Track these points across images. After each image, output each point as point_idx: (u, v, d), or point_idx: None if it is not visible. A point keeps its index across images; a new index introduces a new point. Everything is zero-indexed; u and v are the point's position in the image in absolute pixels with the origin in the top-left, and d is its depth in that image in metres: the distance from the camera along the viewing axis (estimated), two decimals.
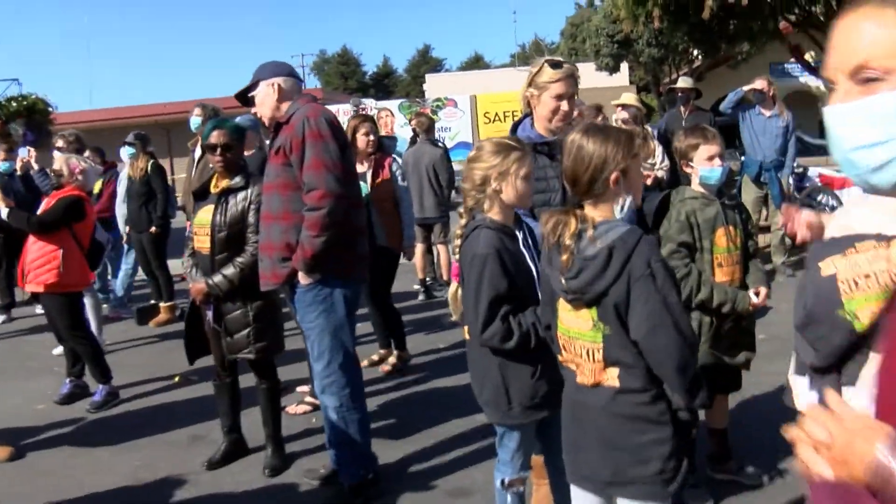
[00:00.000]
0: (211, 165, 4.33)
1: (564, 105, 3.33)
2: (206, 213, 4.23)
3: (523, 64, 37.12)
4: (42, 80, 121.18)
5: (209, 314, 4.25)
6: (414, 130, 8.87)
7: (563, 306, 2.40)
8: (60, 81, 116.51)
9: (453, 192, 9.07)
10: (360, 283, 4.04)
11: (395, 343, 6.23)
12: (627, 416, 2.31)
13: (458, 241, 2.98)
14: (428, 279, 8.99)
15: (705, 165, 3.61)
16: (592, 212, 2.36)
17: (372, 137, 5.94)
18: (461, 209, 2.99)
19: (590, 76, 28.58)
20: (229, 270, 4.10)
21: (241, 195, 4.18)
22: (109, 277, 9.20)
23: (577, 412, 2.45)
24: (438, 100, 27.96)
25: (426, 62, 64.03)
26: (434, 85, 34.25)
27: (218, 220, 4.15)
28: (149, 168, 7.95)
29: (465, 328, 2.94)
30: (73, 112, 26.30)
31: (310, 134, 3.61)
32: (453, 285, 3.09)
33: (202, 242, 4.24)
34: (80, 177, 5.71)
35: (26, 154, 6.57)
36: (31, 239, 5.60)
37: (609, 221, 2.32)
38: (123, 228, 8.34)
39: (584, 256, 2.27)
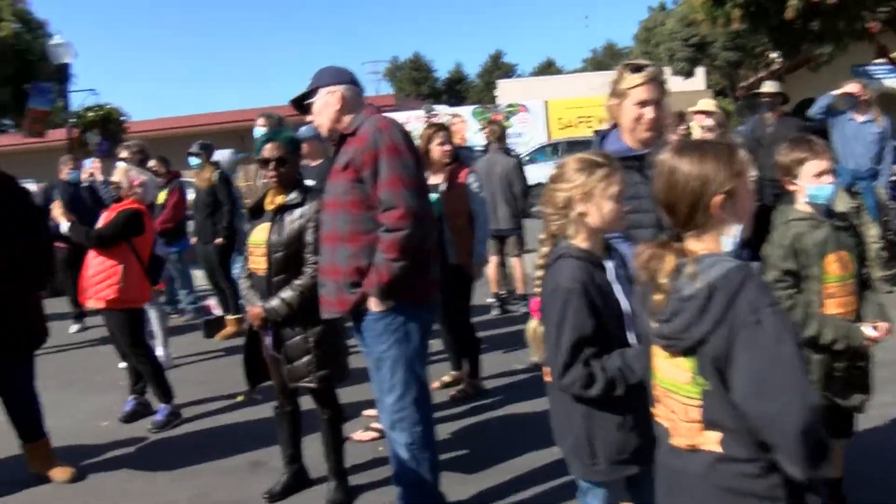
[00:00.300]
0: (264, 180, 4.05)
1: (649, 112, 2.96)
2: (261, 232, 3.96)
3: (596, 69, 36.54)
4: (117, 90, 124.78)
5: (268, 339, 3.98)
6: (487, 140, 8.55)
7: (659, 352, 2.01)
8: (135, 91, 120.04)
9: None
10: (434, 309, 3.72)
11: (469, 370, 5.87)
12: (731, 490, 1.88)
13: (539, 273, 2.63)
14: (503, 292, 8.64)
15: (813, 182, 3.14)
16: (695, 244, 1.95)
17: (447, 147, 5.59)
18: (542, 235, 2.63)
19: (666, 80, 27.74)
20: (287, 294, 3.81)
21: (297, 212, 3.89)
22: (178, 289, 9.15)
23: (671, 480, 2.04)
24: (510, 105, 27.63)
25: (498, 68, 63.77)
26: (506, 91, 33.83)
27: (274, 240, 3.86)
28: (214, 178, 7.80)
29: (546, 369, 2.59)
30: (146, 121, 26.69)
31: (385, 148, 3.32)
32: (533, 322, 2.74)
33: (258, 263, 3.97)
34: (139, 189, 5.53)
35: (91, 165, 6.46)
36: (92, 253, 5.45)
37: (714, 255, 1.92)
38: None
39: (680, 296, 1.88)
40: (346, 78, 3.61)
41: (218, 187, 7.78)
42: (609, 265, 2.57)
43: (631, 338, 2.51)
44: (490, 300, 8.51)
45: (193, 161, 7.92)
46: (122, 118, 16.70)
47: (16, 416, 4.71)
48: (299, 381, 3.93)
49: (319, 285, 3.59)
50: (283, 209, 3.91)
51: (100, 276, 5.35)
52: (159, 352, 7.06)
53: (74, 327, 9.13)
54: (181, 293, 9.07)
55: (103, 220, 5.53)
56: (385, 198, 3.28)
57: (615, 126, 3.16)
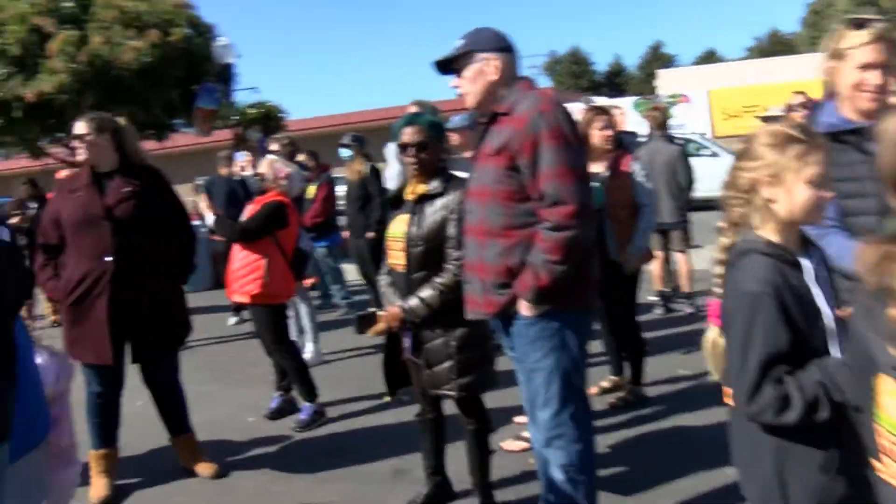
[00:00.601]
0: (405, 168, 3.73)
1: (873, 77, 2.43)
2: (399, 224, 3.64)
3: (760, 56, 34.78)
4: (278, 88, 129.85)
5: (406, 342, 3.66)
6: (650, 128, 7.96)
7: (888, 388, 1.50)
8: (295, 89, 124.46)
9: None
10: (593, 313, 3.30)
11: (631, 375, 5.36)
12: None
13: (718, 269, 2.16)
14: (667, 290, 8.04)
15: None
16: None
17: (609, 132, 5.11)
18: (722, 222, 2.16)
19: None
20: (427, 293, 3.47)
21: (438, 203, 3.53)
22: (329, 284, 9.10)
23: None
24: (672, 96, 26.59)
25: (657, 59, 61.73)
26: (666, 81, 32.46)
27: (413, 233, 3.53)
28: (365, 170, 7.64)
29: (727, 390, 2.11)
30: (304, 119, 27.27)
31: (549, 134, 2.89)
32: (712, 331, 2.26)
33: (396, 258, 3.65)
34: (284, 181, 5.38)
35: (243, 159, 6.41)
36: (237, 247, 5.34)
37: None
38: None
39: None
40: (505, 44, 3.18)
41: (369, 180, 7.61)
42: (807, 264, 2.05)
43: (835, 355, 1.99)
44: (653, 298, 7.93)
45: (345, 153, 7.80)
46: (281, 115, 17.06)
47: (163, 409, 4.65)
48: (440, 388, 3.59)
49: (464, 282, 3.23)
50: (424, 199, 3.58)
51: (244, 269, 5.23)
52: (309, 347, 6.99)
53: (232, 320, 9.26)
54: (333, 288, 8.98)
55: (248, 213, 5.42)
56: (552, 191, 2.87)
57: (832, 95, 2.64)
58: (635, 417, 5.02)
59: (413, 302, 3.49)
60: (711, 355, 2.25)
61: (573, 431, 3.09)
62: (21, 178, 12.91)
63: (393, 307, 3.59)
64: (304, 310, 7.04)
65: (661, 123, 7.78)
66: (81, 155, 4.35)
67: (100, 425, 4.45)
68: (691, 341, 6.61)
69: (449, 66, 3.21)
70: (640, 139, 7.83)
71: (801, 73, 26.27)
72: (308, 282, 9.58)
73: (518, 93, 3.05)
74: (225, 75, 15.37)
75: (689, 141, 17.02)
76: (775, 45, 57.30)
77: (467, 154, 5.05)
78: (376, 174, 7.70)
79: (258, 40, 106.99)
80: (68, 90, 13.29)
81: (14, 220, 9.48)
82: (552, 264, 2.87)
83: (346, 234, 8.11)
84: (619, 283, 5.04)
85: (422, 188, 3.62)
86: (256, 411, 5.78)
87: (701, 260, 8.05)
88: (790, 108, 6.37)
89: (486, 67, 3.10)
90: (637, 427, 4.86)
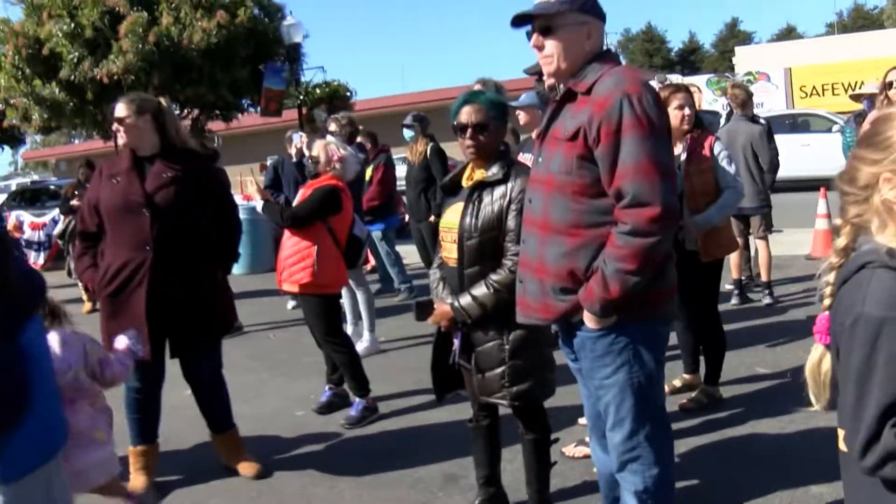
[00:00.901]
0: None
1: None
2: (454, 213, 3.30)
3: (842, 32, 33.50)
4: (345, 68, 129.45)
5: (456, 343, 3.33)
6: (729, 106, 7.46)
7: None
8: (362, 68, 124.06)
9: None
10: (669, 323, 2.90)
11: (706, 374, 4.94)
12: None
13: (829, 277, 1.77)
14: (744, 278, 7.55)
15: None
16: None
17: (688, 111, 4.66)
18: (836, 222, 1.77)
19: None
20: (480, 290, 3.13)
21: (498, 191, 3.18)
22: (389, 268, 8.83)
23: None
24: (749, 73, 25.74)
25: (734, 36, 60.07)
26: (744, 58, 31.41)
27: (468, 223, 3.19)
28: (428, 152, 7.34)
29: (840, 431, 1.72)
30: (371, 99, 27.02)
31: (635, 121, 2.47)
32: (817, 350, 1.86)
33: (449, 250, 3.31)
34: (337, 165, 5.09)
35: (299, 140, 6.15)
36: (286, 234, 5.09)
37: None
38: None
39: None
40: (603, 11, 2.75)
41: (431, 161, 7.31)
42: None
43: None
44: (728, 287, 7.43)
45: (407, 133, 7.53)
46: (347, 94, 16.90)
47: (203, 404, 4.43)
48: (492, 395, 3.26)
49: (518, 280, 2.86)
50: (482, 186, 3.23)
51: (293, 258, 4.98)
52: (366, 336, 6.74)
53: (291, 304, 9.06)
54: (392, 272, 8.70)
55: (300, 197, 5.16)
56: (633, 189, 2.46)
57: None
58: (709, 422, 4.60)
59: (464, 300, 3.15)
60: (815, 381, 1.86)
61: (651, 454, 2.72)
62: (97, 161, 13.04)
63: (443, 304, 3.26)
64: (361, 296, 6.78)
65: (743, 102, 7.26)
66: (122, 139, 4.13)
67: (138, 421, 4.25)
68: (770, 335, 6.17)
69: (530, 23, 2.73)
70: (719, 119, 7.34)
71: (888, 49, 25.26)
72: (367, 266, 9.39)
73: (601, 69, 2.62)
74: (292, 55, 15.31)
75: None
76: (858, 21, 55.27)
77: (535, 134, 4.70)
78: (439, 155, 7.38)
79: (326, 19, 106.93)
80: (136, 71, 13.38)
81: (74, 202, 9.44)
82: (626, 274, 2.48)
83: (406, 217, 7.85)
84: (698, 275, 4.61)
85: (480, 174, 3.28)
86: (306, 405, 5.54)
87: (779, 245, 7.56)
88: (889, 85, 5.80)
89: (582, 33, 2.66)
90: (711, 434, 4.44)
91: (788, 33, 59.65)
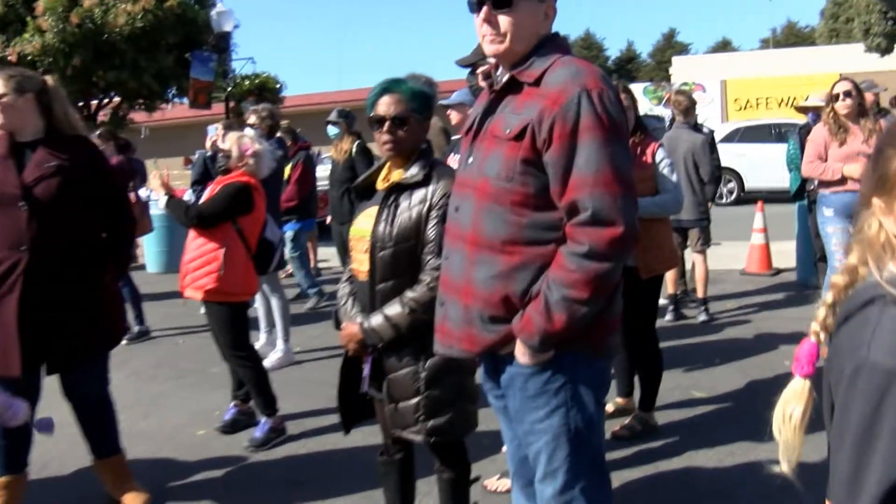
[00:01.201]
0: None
1: None
2: (367, 219, 2.87)
3: (776, 48, 34.42)
4: (275, 61, 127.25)
5: (366, 370, 2.90)
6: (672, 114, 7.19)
7: None
8: (292, 63, 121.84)
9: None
10: (612, 358, 2.49)
11: (641, 399, 4.60)
12: None
13: (826, 298, 1.38)
14: (678, 293, 7.29)
15: None
16: None
17: (629, 114, 4.31)
18: (850, 231, 1.40)
19: (858, 58, 25.39)
20: (394, 309, 2.71)
21: (417, 195, 2.76)
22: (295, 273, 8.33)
23: None
24: (686, 84, 26.02)
25: (671, 47, 61.18)
26: (680, 68, 31.83)
27: (382, 231, 2.76)
28: (353, 150, 6.89)
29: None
30: (303, 95, 26.27)
31: (594, 122, 2.08)
32: (796, 384, 1.46)
33: (360, 262, 2.87)
34: (250, 160, 4.62)
35: (214, 133, 5.65)
36: (191, 235, 4.59)
37: None
38: None
39: None
40: None
41: (356, 160, 6.86)
42: None
43: None
44: (663, 301, 7.15)
45: (331, 130, 7.08)
46: (277, 86, 16.32)
47: (85, 426, 3.88)
48: (405, 429, 2.83)
49: (438, 303, 2.44)
50: (399, 189, 2.81)
51: (198, 261, 4.49)
52: (280, 345, 6.27)
53: (204, 308, 8.50)
54: (298, 276, 8.19)
55: (207, 194, 4.67)
56: (592, 203, 2.06)
57: None
58: (643, 453, 4.26)
59: (376, 320, 2.73)
60: (786, 427, 1.45)
61: None
62: None
63: (351, 324, 2.83)
64: (276, 303, 6.31)
65: (686, 109, 6.99)
66: (7, 126, 3.58)
67: (4, 448, 3.65)
68: (706, 356, 5.90)
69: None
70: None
71: (820, 66, 25.87)
72: (285, 271, 8.86)
73: (550, 57, 2.22)
74: (221, 45, 14.69)
75: None
76: (790, 38, 56.61)
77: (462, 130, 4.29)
78: (365, 154, 6.95)
79: (258, 8, 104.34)
80: (54, 52, 12.62)
81: None
82: (575, 303, 2.08)
83: (328, 219, 7.38)
84: (636, 292, 4.27)
85: (397, 175, 2.86)
86: (209, 422, 5.05)
87: (714, 259, 7.34)
88: (836, 97, 5.60)
89: (540, 11, 2.26)
90: (645, 466, 4.10)
91: (724, 46, 60.89)
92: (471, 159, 2.32)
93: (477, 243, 2.23)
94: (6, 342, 3.42)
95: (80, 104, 14.87)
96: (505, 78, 2.28)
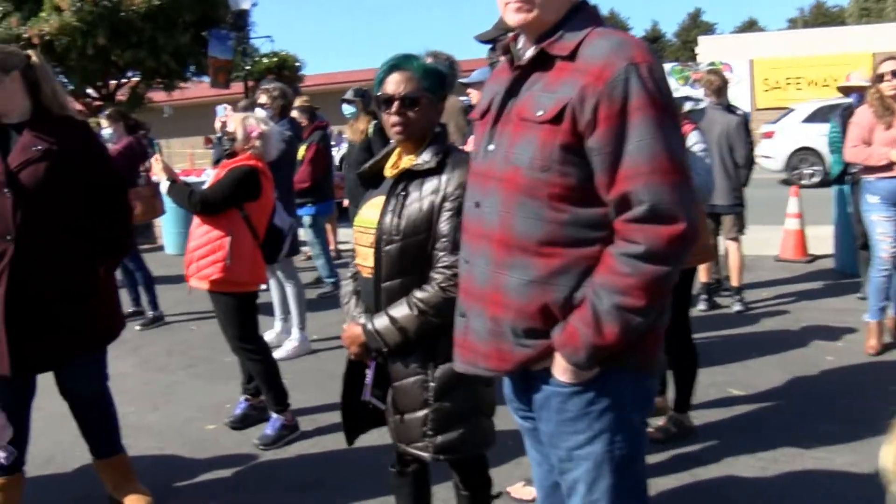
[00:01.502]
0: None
1: None
2: (373, 210, 2.60)
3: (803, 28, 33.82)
4: (295, 39, 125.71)
5: (369, 376, 2.64)
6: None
7: None
8: (312, 41, 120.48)
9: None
10: (658, 375, 2.18)
11: (676, 400, 4.30)
12: None
13: None
14: (712, 282, 6.96)
15: None
16: None
17: None
18: None
19: (891, 37, 24.75)
20: (401, 311, 2.44)
21: (429, 184, 2.48)
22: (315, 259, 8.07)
23: None
24: (712, 64, 25.51)
25: (697, 26, 60.52)
26: (707, 48, 31.15)
27: (389, 223, 2.48)
28: (370, 131, 6.62)
29: None
30: (323, 74, 25.77)
31: (647, 101, 1.79)
32: None
33: (364, 257, 2.60)
34: (257, 142, 4.36)
35: (223, 113, 5.40)
36: (196, 222, 4.35)
37: None
38: None
39: None
40: None
41: (373, 140, 6.57)
42: None
43: None
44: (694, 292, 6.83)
45: (347, 110, 6.80)
46: (297, 65, 16.05)
47: (83, 425, 3.67)
48: (410, 444, 2.57)
49: (458, 313, 2.14)
50: (409, 177, 2.53)
51: (202, 249, 4.25)
52: (295, 334, 6.04)
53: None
54: (317, 263, 7.92)
55: (212, 179, 4.42)
56: (650, 196, 1.78)
57: None
58: (678, 458, 3.97)
59: (380, 322, 2.46)
60: None
61: None
62: None
63: (353, 326, 2.57)
64: (291, 289, 6.07)
65: (718, 89, 6.63)
66: None
67: None
68: (743, 350, 5.58)
69: None
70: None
71: (851, 46, 25.19)
72: (305, 252, 8.64)
73: (583, 29, 1.91)
74: (239, 23, 14.46)
75: None
76: (819, 17, 55.55)
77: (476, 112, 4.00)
78: (382, 134, 6.66)
79: None
80: (71, 31, 12.43)
81: None
82: (629, 313, 1.80)
83: (346, 202, 7.12)
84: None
85: (407, 161, 2.58)
86: (219, 416, 4.83)
87: (745, 245, 7.00)
88: (880, 77, 5.22)
89: None
90: (681, 474, 3.80)
91: (750, 26, 59.95)
92: (492, 146, 2.02)
93: (507, 244, 1.94)
94: None
95: (100, 84, 14.73)
96: (531, 52, 1.98)
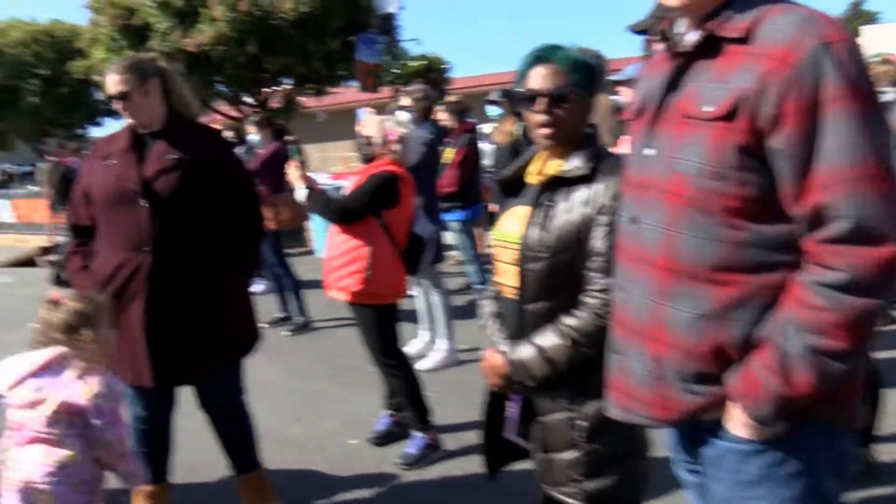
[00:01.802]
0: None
1: None
2: (513, 222, 2.31)
3: None
4: (442, 42, 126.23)
5: (513, 410, 2.35)
6: None
7: None
8: (459, 44, 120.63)
9: None
10: (855, 433, 1.77)
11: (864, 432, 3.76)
12: None
13: None
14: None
15: None
16: None
17: None
18: None
19: None
20: (549, 340, 2.13)
21: (579, 194, 2.17)
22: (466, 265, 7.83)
23: None
24: (879, 55, 23.49)
25: (858, 16, 56.48)
26: (871, 38, 28.73)
27: (535, 238, 2.18)
28: (517, 131, 6.34)
29: None
30: (472, 77, 25.37)
31: (846, 90, 1.44)
32: None
33: (505, 275, 2.31)
34: (396, 147, 4.16)
35: (364, 117, 5.27)
36: (333, 230, 4.20)
37: None
38: None
39: None
40: None
41: (521, 142, 6.29)
42: None
43: None
44: None
45: (492, 111, 6.55)
46: (444, 67, 15.97)
47: (221, 439, 3.59)
48: (556, 488, 2.26)
49: (613, 350, 1.83)
50: (557, 185, 2.23)
51: (341, 259, 4.09)
52: (441, 344, 5.82)
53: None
54: (468, 269, 7.69)
55: (351, 186, 4.25)
56: (854, 208, 1.42)
57: None
58: (867, 502, 3.46)
59: (525, 352, 2.16)
60: None
61: None
62: None
63: (494, 354, 2.29)
64: (437, 298, 5.86)
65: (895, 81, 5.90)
66: (128, 117, 3.27)
67: (145, 456, 3.45)
68: None
69: None
70: None
71: None
72: (454, 257, 8.44)
73: (759, 5, 1.57)
74: (386, 26, 14.50)
75: None
76: None
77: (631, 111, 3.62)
78: (530, 137, 6.37)
79: None
80: (226, 41, 12.84)
81: None
82: (829, 357, 1.45)
83: (493, 207, 6.87)
84: None
85: (555, 167, 2.27)
86: (362, 430, 4.66)
87: None
88: None
89: None
90: None
91: None
92: (650, 150, 1.70)
93: (672, 269, 1.62)
94: (135, 350, 3.17)
95: (254, 91, 15.19)
96: (695, 36, 1.64)
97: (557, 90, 2.18)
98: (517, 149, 6.39)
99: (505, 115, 6.62)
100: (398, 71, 15.60)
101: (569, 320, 2.11)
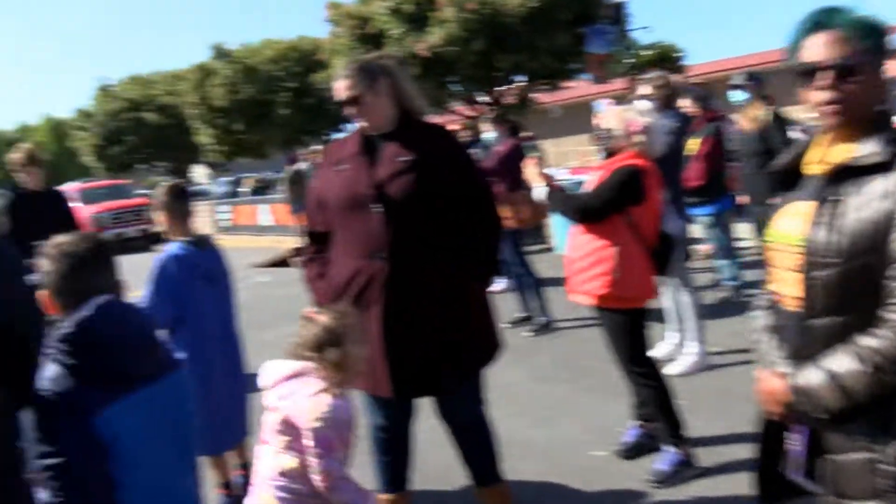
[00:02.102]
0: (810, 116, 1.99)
1: None
2: (792, 220, 1.95)
3: None
4: (674, 28, 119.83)
5: (797, 444, 1.99)
6: None
7: None
8: (695, 29, 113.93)
9: None
10: None
11: None
12: None
13: None
14: None
15: None
16: None
17: None
18: None
19: None
20: (844, 364, 1.76)
21: (875, 186, 1.78)
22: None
23: None
24: None
25: None
26: None
27: (822, 239, 1.82)
28: (765, 117, 5.80)
29: None
30: (709, 63, 23.64)
31: None
32: None
33: (783, 283, 1.96)
34: (640, 138, 3.84)
35: (603, 109, 4.97)
36: (575, 230, 3.96)
37: None
38: None
39: None
40: None
41: (770, 129, 5.75)
42: None
43: None
44: None
45: (736, 96, 6.03)
46: (678, 55, 15.16)
47: (461, 450, 3.48)
48: None
49: None
50: (846, 175, 1.85)
51: (585, 260, 3.85)
52: (691, 347, 5.42)
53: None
54: (721, 265, 7.14)
55: (595, 182, 3.99)
56: None
57: None
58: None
59: (814, 377, 1.81)
60: None
61: None
62: None
63: (773, 377, 1.95)
64: (685, 297, 5.46)
65: None
66: (361, 120, 3.23)
67: (387, 465, 3.42)
68: None
69: None
70: None
71: None
72: (701, 252, 7.94)
73: None
74: (616, 16, 14.00)
75: None
76: None
77: None
78: (780, 123, 5.81)
79: None
80: (456, 41, 12.98)
81: None
82: None
83: (742, 198, 6.34)
84: None
85: (843, 152, 1.89)
86: (608, 442, 4.39)
87: None
88: None
89: None
90: None
91: None
92: None
93: None
94: (374, 359, 3.10)
95: (487, 90, 15.29)
96: None
97: (845, 60, 1.81)
98: (766, 136, 5.87)
99: (751, 100, 6.08)
100: (632, 61, 15.03)
101: (868, 340, 1.73)
